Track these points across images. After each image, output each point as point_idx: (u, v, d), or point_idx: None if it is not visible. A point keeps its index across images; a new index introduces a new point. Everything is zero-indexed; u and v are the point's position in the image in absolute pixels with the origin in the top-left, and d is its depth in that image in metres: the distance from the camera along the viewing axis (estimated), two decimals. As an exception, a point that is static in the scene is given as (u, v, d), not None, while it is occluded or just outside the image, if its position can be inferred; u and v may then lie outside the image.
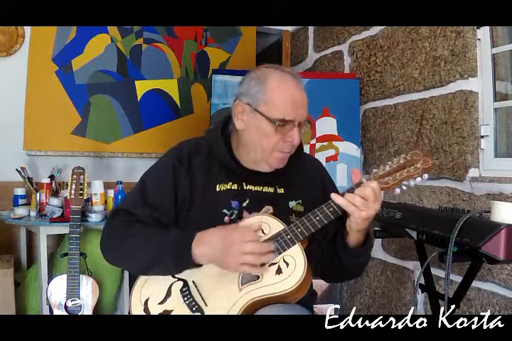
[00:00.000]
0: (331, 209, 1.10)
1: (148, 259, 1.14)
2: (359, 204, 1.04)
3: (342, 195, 1.08)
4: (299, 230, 1.10)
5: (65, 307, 2.09)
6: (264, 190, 1.23)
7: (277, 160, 1.20)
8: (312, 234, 1.11)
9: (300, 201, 1.25)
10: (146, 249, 1.14)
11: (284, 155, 1.20)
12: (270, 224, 1.14)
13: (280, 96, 1.14)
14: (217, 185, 1.22)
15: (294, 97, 1.15)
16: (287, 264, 1.09)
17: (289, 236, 1.10)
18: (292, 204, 1.25)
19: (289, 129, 1.16)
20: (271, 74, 1.18)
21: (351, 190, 1.08)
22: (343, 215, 1.10)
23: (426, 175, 1.07)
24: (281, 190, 1.24)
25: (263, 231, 1.14)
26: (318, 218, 1.10)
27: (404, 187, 1.09)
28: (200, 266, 1.13)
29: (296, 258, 1.09)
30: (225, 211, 1.20)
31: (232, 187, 1.22)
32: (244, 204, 1.21)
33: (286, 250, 1.10)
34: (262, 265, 1.09)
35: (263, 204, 1.21)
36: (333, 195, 1.08)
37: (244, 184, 1.23)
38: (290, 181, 1.26)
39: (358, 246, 1.15)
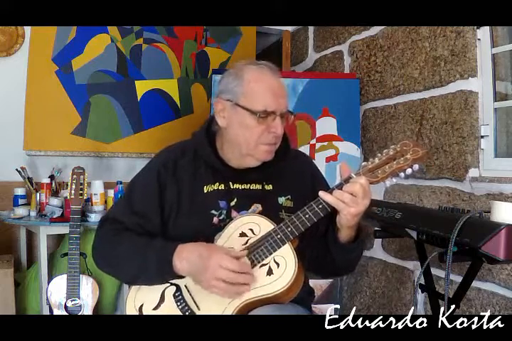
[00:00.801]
0: (321, 206, 1.08)
1: (133, 270, 1.16)
2: (348, 200, 1.03)
3: (331, 191, 1.07)
4: (289, 229, 1.09)
5: (65, 307, 2.09)
6: (251, 188, 1.23)
7: (264, 153, 1.19)
8: (302, 232, 1.10)
9: (289, 196, 1.24)
10: (131, 260, 1.15)
11: (269, 147, 1.19)
12: (260, 224, 1.13)
13: (258, 87, 1.15)
14: (205, 187, 1.22)
15: (271, 87, 1.15)
16: (278, 265, 1.08)
17: (279, 236, 1.10)
18: (281, 200, 1.24)
19: (271, 120, 1.15)
20: (246, 67, 1.19)
21: (340, 186, 1.06)
22: (333, 211, 1.09)
23: (416, 166, 1.05)
24: (269, 187, 1.24)
25: (253, 232, 1.13)
26: (307, 216, 1.09)
27: (394, 180, 1.07)
28: (183, 277, 1.13)
29: (286, 258, 1.09)
30: (213, 212, 1.19)
31: (219, 188, 1.22)
32: (232, 203, 1.20)
33: (276, 250, 1.10)
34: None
35: (251, 202, 1.20)
36: (321, 193, 1.06)
37: (230, 183, 1.22)
38: (278, 177, 1.25)
39: (349, 242, 1.14)
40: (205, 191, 1.22)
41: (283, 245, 1.10)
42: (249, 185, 1.23)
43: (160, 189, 1.22)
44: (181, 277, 1.13)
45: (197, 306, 1.12)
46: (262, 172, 1.23)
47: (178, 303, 1.13)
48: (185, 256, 1.10)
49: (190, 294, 1.14)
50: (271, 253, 1.10)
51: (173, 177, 1.22)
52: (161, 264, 1.11)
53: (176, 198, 1.21)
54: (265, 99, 1.14)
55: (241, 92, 1.16)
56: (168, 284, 1.16)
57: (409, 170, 1.05)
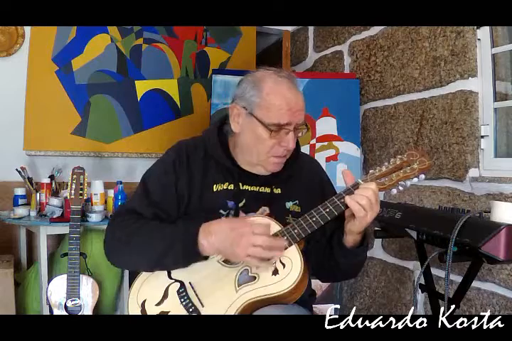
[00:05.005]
0: (328, 210, 1.10)
1: (155, 255, 1.13)
2: (367, 206, 1.04)
3: (343, 196, 1.08)
4: (296, 231, 1.10)
5: (65, 307, 2.09)
6: (260, 190, 1.23)
7: (273, 165, 1.20)
8: (309, 234, 1.11)
9: (297, 201, 1.25)
10: (155, 242, 1.13)
11: (279, 159, 1.20)
12: (266, 225, 1.13)
13: (275, 101, 1.14)
14: (214, 185, 1.22)
15: (289, 102, 1.15)
16: (284, 265, 1.09)
17: (285, 238, 1.10)
18: (289, 204, 1.25)
19: (284, 134, 1.16)
20: (266, 78, 1.18)
21: (348, 191, 1.09)
22: (340, 216, 1.11)
23: (422, 176, 1.08)
24: (278, 190, 1.25)
25: None
26: (314, 219, 1.10)
27: (400, 188, 1.10)
28: (207, 258, 1.13)
29: (292, 259, 1.09)
30: (221, 211, 1.20)
31: (229, 188, 1.22)
32: (241, 204, 1.21)
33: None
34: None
35: (260, 205, 1.21)
36: (348, 199, 1.06)
37: (240, 184, 1.23)
38: (287, 181, 1.26)
39: (355, 246, 1.15)
40: (215, 189, 1.22)
41: (289, 246, 1.10)
42: (258, 187, 1.24)
43: (175, 180, 1.22)
44: (205, 258, 1.13)
45: (201, 303, 1.12)
46: (272, 176, 1.24)
47: (182, 300, 1.13)
48: (214, 230, 1.09)
49: (194, 291, 1.14)
50: None
51: (186, 171, 1.23)
52: (186, 245, 1.10)
53: (187, 193, 1.21)
54: (280, 114, 1.14)
55: (257, 103, 1.16)
56: (172, 280, 1.16)
57: (415, 179, 1.09)
